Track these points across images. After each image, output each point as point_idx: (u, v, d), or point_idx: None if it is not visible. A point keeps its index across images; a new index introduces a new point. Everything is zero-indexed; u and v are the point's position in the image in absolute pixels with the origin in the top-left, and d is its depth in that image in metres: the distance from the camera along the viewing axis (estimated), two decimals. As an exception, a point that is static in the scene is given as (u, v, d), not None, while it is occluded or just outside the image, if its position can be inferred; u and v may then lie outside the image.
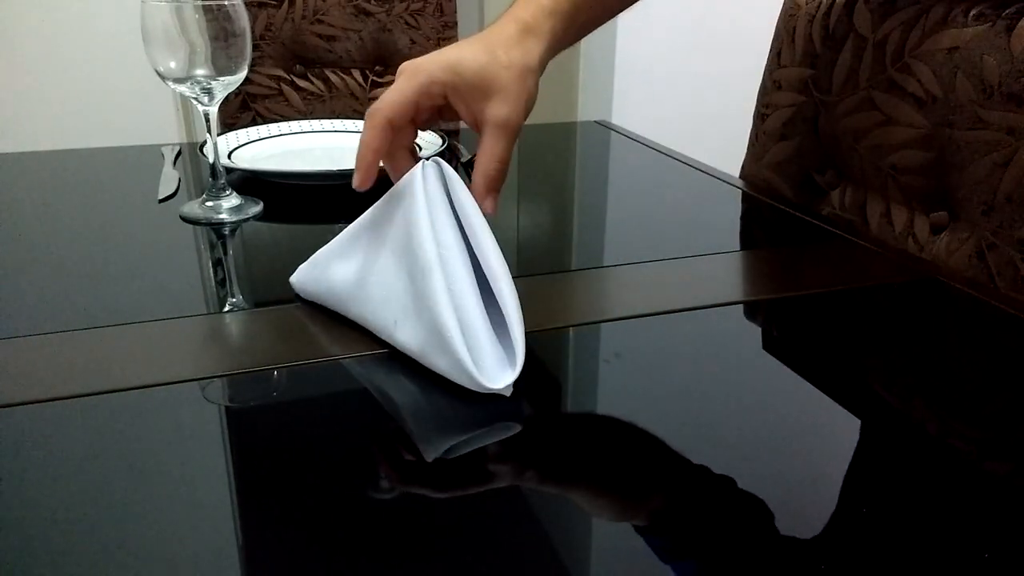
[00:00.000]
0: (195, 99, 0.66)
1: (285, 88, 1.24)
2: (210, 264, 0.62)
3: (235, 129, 0.89)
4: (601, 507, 0.36)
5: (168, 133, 1.73)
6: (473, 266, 0.45)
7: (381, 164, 0.51)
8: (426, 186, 0.46)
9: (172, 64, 0.63)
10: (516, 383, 0.42)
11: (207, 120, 0.68)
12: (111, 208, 0.75)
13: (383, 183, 0.51)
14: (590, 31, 0.61)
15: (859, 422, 0.43)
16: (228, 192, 0.70)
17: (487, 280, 0.44)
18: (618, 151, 0.99)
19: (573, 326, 0.51)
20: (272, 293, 0.56)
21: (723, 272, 0.61)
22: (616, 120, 1.67)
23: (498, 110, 0.50)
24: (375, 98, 1.33)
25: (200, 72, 0.64)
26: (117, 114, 1.68)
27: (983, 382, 0.46)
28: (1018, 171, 0.64)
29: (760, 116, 0.91)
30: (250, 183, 0.77)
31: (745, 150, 0.95)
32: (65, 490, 0.35)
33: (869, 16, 0.77)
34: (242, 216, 0.70)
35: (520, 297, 0.44)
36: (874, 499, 0.36)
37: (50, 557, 0.31)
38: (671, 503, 0.36)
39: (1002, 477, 0.38)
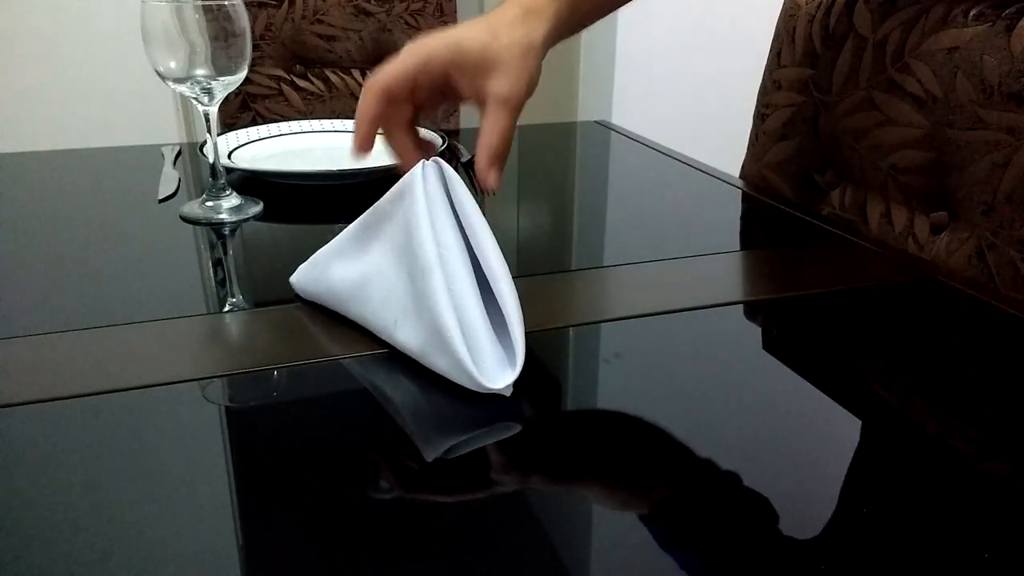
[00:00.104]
0: (195, 99, 0.66)
1: (285, 88, 1.24)
2: (210, 264, 0.62)
3: (235, 129, 0.89)
4: (601, 507, 0.36)
5: (168, 133, 1.73)
6: (473, 266, 0.45)
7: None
8: (426, 186, 0.46)
9: (172, 64, 0.63)
10: (516, 383, 0.42)
11: (207, 120, 0.68)
12: (111, 208, 0.75)
13: (383, 182, 0.50)
14: (595, 19, 0.61)
15: (859, 422, 0.43)
16: (228, 192, 0.70)
17: (487, 280, 0.44)
18: (618, 151, 0.99)
19: (573, 326, 0.51)
20: (272, 293, 0.56)
21: (723, 272, 0.61)
22: (616, 120, 1.66)
23: (500, 85, 0.49)
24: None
25: (200, 72, 0.64)
26: (117, 114, 1.68)
27: (983, 382, 0.46)
28: (1018, 171, 0.64)
29: (760, 116, 0.91)
30: (250, 183, 0.77)
31: (745, 150, 0.95)
32: (65, 490, 0.35)
33: (869, 16, 0.77)
34: (242, 216, 0.70)
35: (520, 297, 0.44)
36: (874, 499, 0.36)
37: (50, 557, 0.31)
38: (671, 503, 0.36)
39: (1002, 477, 0.38)
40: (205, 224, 0.69)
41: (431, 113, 0.54)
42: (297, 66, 1.24)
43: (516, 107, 0.50)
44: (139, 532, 0.32)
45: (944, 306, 0.56)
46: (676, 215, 0.76)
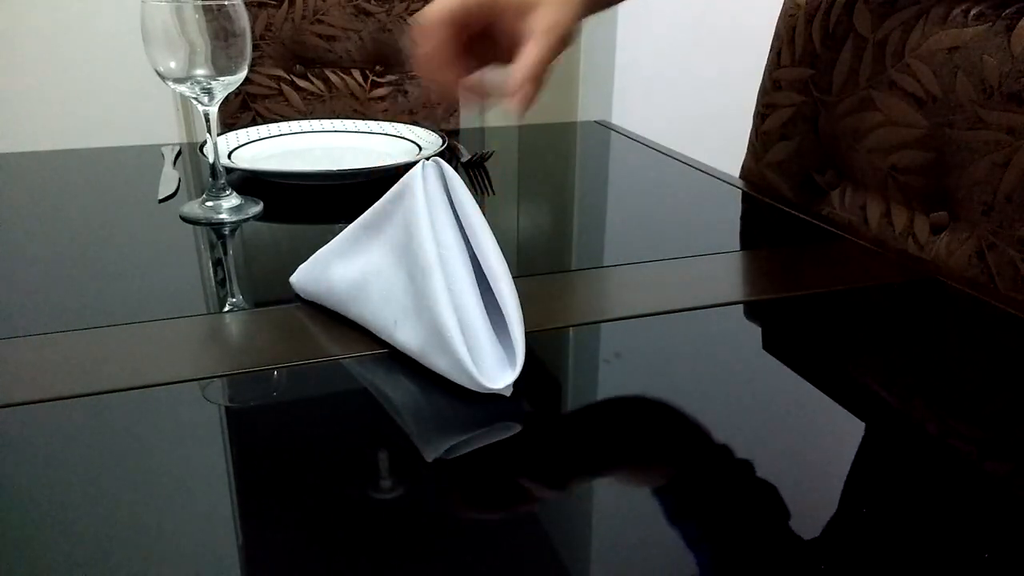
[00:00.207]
0: (195, 99, 0.66)
1: (285, 88, 1.24)
2: (210, 264, 0.62)
3: (235, 129, 0.89)
4: (600, 507, 0.36)
5: (168, 133, 1.73)
6: (473, 266, 0.45)
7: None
8: (426, 186, 0.46)
9: (172, 64, 0.63)
10: (516, 383, 0.42)
11: (207, 120, 0.68)
12: (111, 208, 0.75)
13: (383, 182, 0.50)
14: None
15: (859, 422, 0.43)
16: (228, 192, 0.70)
17: (487, 280, 0.44)
18: (618, 151, 0.99)
19: (573, 326, 0.51)
20: (272, 293, 0.56)
21: (723, 272, 0.61)
22: (616, 120, 1.67)
23: (542, 19, 0.49)
24: (375, 98, 1.33)
25: (200, 72, 0.64)
26: (117, 114, 1.68)
27: (983, 382, 0.46)
28: (1018, 171, 0.64)
29: (760, 116, 0.91)
30: (250, 183, 0.77)
31: (745, 150, 0.95)
32: (65, 490, 0.35)
33: (869, 16, 0.77)
34: (242, 216, 0.70)
35: (520, 297, 0.44)
36: (874, 499, 0.36)
37: (50, 557, 0.31)
38: (671, 502, 0.36)
39: (1002, 477, 0.38)
40: (205, 224, 0.69)
41: (471, 66, 0.53)
42: (297, 66, 1.24)
43: (560, 37, 0.49)
44: (139, 532, 0.32)
45: (944, 306, 0.56)
46: (676, 215, 0.76)
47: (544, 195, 0.84)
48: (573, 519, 0.35)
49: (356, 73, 1.27)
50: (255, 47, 1.18)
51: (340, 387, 0.45)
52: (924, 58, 0.71)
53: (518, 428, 0.41)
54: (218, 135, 0.72)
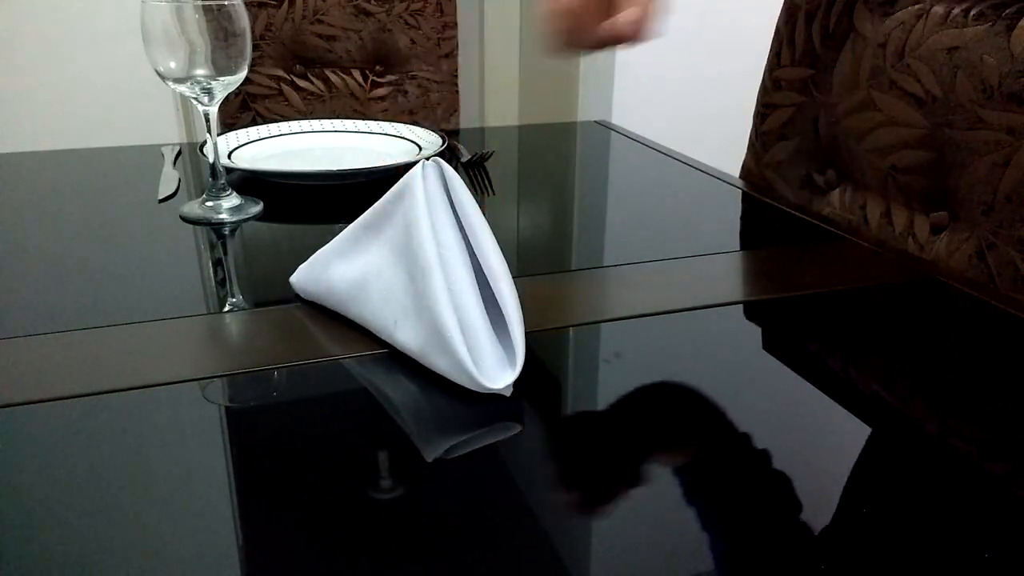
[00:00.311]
0: (195, 99, 0.66)
1: (285, 88, 1.24)
2: (210, 264, 0.62)
3: (235, 129, 0.89)
4: (600, 506, 0.36)
5: (168, 133, 1.73)
6: (473, 266, 0.45)
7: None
8: (426, 186, 0.46)
9: (172, 64, 0.63)
10: (516, 383, 0.42)
11: (207, 120, 0.68)
12: (111, 208, 0.75)
13: (383, 182, 0.51)
14: None
15: (859, 422, 0.43)
16: (228, 192, 0.70)
17: (487, 280, 0.44)
18: (618, 151, 0.99)
19: (573, 326, 0.52)
20: (272, 293, 0.56)
21: (723, 272, 0.61)
22: (616, 120, 1.67)
23: None
24: (375, 98, 1.34)
25: (200, 72, 0.64)
26: (117, 114, 1.68)
27: (983, 382, 0.46)
28: (1018, 171, 0.64)
29: (760, 116, 0.91)
30: (250, 183, 0.77)
31: (745, 150, 0.95)
32: (65, 490, 0.35)
33: (869, 16, 0.77)
34: (242, 216, 0.70)
35: (520, 297, 0.44)
36: (874, 499, 0.36)
37: (50, 557, 0.31)
38: (671, 502, 0.36)
39: (1002, 477, 0.38)
40: (205, 224, 0.69)
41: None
42: (297, 66, 1.24)
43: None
44: (139, 532, 0.32)
45: (944, 306, 0.56)
46: (676, 215, 0.76)
47: (544, 195, 0.84)
48: (573, 519, 0.35)
49: (356, 73, 1.27)
50: (255, 47, 1.18)
51: (340, 387, 0.45)
52: (924, 58, 0.71)
53: (518, 428, 0.41)
54: (218, 135, 0.72)
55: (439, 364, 0.42)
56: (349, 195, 0.75)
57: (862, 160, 0.79)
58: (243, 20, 0.64)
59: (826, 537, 0.33)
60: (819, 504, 0.36)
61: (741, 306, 0.56)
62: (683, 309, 0.53)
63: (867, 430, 0.42)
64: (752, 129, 0.93)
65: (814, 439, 0.42)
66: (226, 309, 0.53)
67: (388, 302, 0.46)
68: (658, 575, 0.31)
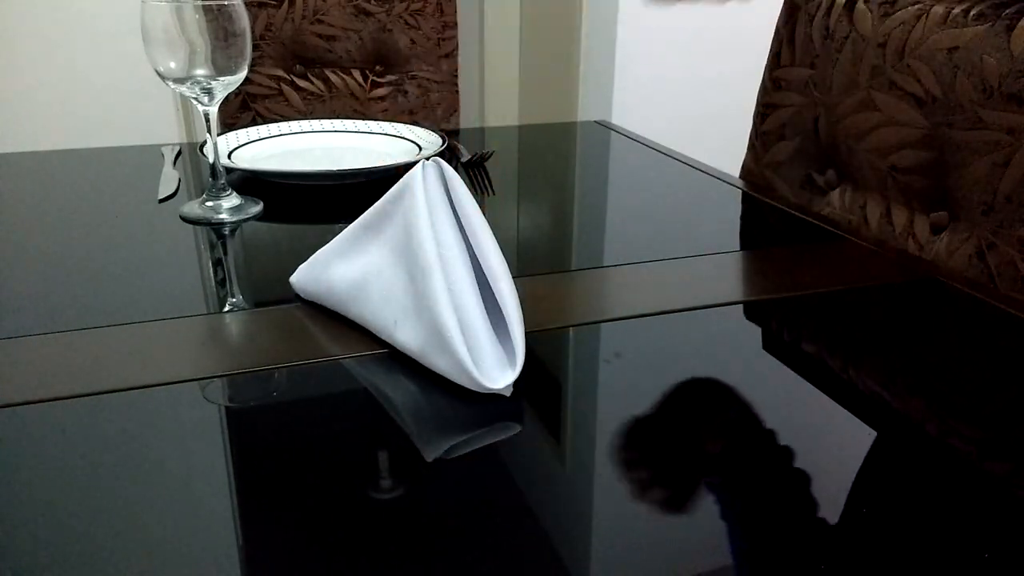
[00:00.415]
0: (195, 99, 0.66)
1: (285, 88, 1.24)
2: (210, 264, 0.62)
3: (235, 129, 0.89)
4: (600, 506, 0.36)
5: (168, 133, 1.73)
6: (473, 266, 0.45)
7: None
8: (426, 186, 0.46)
9: (172, 64, 0.63)
10: (516, 383, 0.42)
11: (207, 120, 0.68)
12: (111, 208, 0.75)
13: (383, 182, 0.50)
14: None
15: (859, 422, 0.43)
16: (228, 192, 0.70)
17: (487, 280, 0.44)
18: (618, 151, 0.99)
19: (573, 326, 0.51)
20: (272, 293, 0.56)
21: (723, 272, 0.61)
22: (616, 120, 1.67)
23: None
24: (375, 98, 1.33)
25: (200, 72, 0.64)
26: (117, 114, 1.68)
27: (983, 382, 0.46)
28: (1018, 171, 0.64)
29: (760, 116, 0.91)
30: (250, 183, 0.77)
31: (745, 150, 0.95)
32: (65, 490, 0.35)
33: (869, 16, 0.77)
34: (242, 216, 0.70)
35: (520, 297, 0.44)
36: (874, 499, 0.36)
37: (50, 557, 0.31)
38: (671, 502, 0.36)
39: (1002, 477, 0.38)
40: (205, 224, 0.69)
41: None
42: (297, 66, 1.24)
43: None
44: (139, 532, 0.32)
45: (944, 306, 0.56)
46: (676, 215, 0.76)
47: (544, 195, 0.84)
48: (573, 519, 0.35)
49: (356, 73, 1.27)
50: (255, 47, 1.18)
51: (340, 387, 0.45)
52: (924, 58, 0.71)
53: (518, 428, 0.41)
54: (218, 135, 0.72)
55: (439, 364, 0.42)
56: (349, 195, 0.75)
57: (862, 160, 0.79)
58: (243, 20, 0.64)
59: (826, 537, 0.33)
60: (819, 504, 0.36)
61: (741, 306, 0.56)
62: (683, 309, 0.53)
63: (867, 430, 0.42)
64: (752, 129, 0.93)
65: (814, 439, 0.42)
66: (226, 309, 0.53)
67: (388, 302, 0.46)
68: (658, 575, 0.31)
